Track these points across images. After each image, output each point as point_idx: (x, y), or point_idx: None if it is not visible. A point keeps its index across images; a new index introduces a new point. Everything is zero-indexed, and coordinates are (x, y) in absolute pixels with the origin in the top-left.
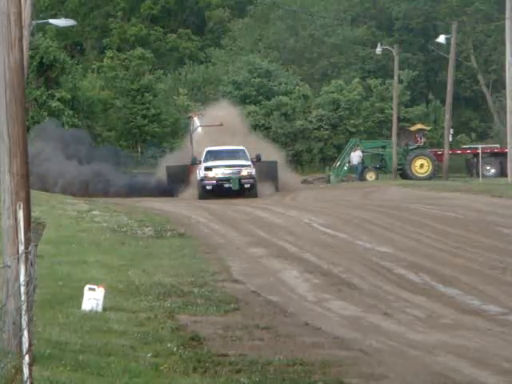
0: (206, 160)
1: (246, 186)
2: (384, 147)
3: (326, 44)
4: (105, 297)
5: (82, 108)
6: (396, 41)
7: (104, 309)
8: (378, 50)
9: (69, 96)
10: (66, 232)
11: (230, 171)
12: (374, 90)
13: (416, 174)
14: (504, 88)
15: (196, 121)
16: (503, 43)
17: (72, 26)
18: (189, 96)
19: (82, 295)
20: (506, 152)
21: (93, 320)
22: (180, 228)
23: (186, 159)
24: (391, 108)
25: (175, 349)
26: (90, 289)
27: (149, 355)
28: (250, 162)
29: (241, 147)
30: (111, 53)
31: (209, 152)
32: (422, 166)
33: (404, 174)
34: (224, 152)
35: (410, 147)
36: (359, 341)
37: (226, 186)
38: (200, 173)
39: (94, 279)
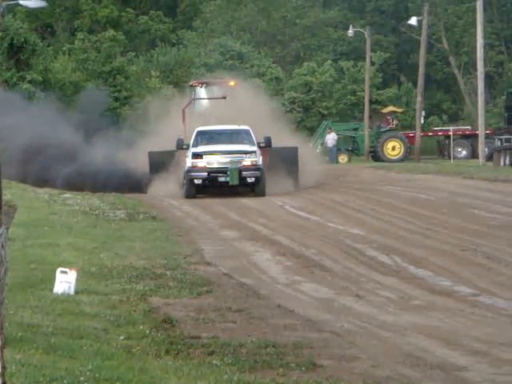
0: (196, 144)
1: (249, 179)
2: (356, 129)
3: (298, 26)
4: (77, 280)
5: (53, 90)
6: (368, 23)
7: (76, 292)
8: (350, 32)
9: (40, 78)
10: (38, 215)
11: (227, 159)
12: (346, 73)
13: (388, 156)
14: (475, 70)
15: (199, 91)
16: (474, 25)
17: (43, 8)
18: (161, 78)
19: (54, 278)
20: (477, 134)
21: (65, 303)
22: (152, 211)
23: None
24: (363, 90)
25: (147, 331)
26: (62, 272)
27: (121, 338)
28: (255, 148)
29: (244, 127)
30: (82, 35)
31: (200, 133)
32: (394, 148)
33: (376, 156)
34: (220, 133)
35: (382, 129)
36: (331, 322)
37: (222, 179)
38: (187, 162)
39: (66, 262)
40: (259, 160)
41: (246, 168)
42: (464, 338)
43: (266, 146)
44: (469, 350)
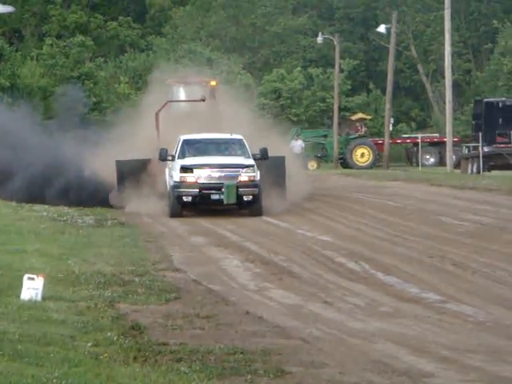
0: (182, 155)
1: (246, 198)
2: (325, 136)
3: (268, 33)
4: (44, 286)
5: (21, 96)
6: (337, 30)
7: (43, 298)
8: (319, 39)
9: (8, 83)
10: (5, 220)
11: (221, 174)
12: (316, 79)
13: (357, 163)
14: (443, 77)
15: (176, 91)
16: (442, 33)
17: (10, 12)
18: (130, 84)
19: (20, 284)
20: (445, 141)
21: (32, 309)
22: (121, 217)
23: (142, 151)
24: (332, 97)
25: (115, 338)
26: (30, 278)
27: (89, 344)
28: (252, 161)
29: (237, 136)
30: (50, 40)
31: (186, 143)
32: (362, 155)
33: (345, 162)
34: (209, 143)
35: (351, 136)
36: (299, 329)
37: (215, 197)
38: (173, 175)
39: (33, 268)
40: (257, 175)
41: (244, 184)
42: (431, 345)
43: (261, 159)
44: (436, 356)
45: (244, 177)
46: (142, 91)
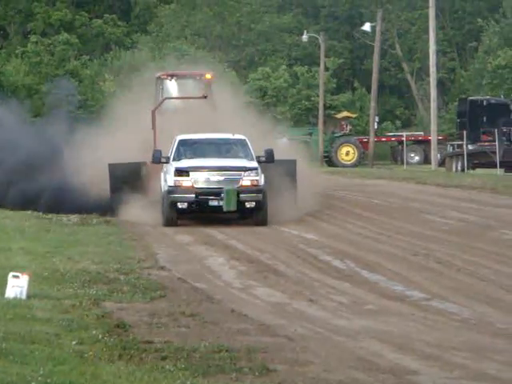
0: (179, 157)
1: (249, 204)
2: (310, 134)
3: (253, 31)
4: (29, 284)
5: (6, 93)
6: (322, 28)
7: (28, 296)
8: (304, 37)
9: None
10: None
11: (220, 178)
12: (301, 78)
13: (342, 161)
14: (427, 76)
15: (169, 85)
16: (427, 31)
17: None
18: (115, 82)
19: (5, 282)
20: (430, 139)
21: (16, 307)
22: (106, 215)
23: (139, 153)
24: (317, 95)
25: (100, 336)
26: (14, 276)
27: (73, 343)
28: (255, 163)
29: (240, 136)
30: (35, 38)
31: (182, 143)
32: (347, 153)
33: (330, 161)
34: (209, 144)
35: (336, 135)
36: (284, 327)
37: (214, 203)
38: (167, 179)
39: (18, 266)
40: (261, 179)
41: (246, 189)
42: (416, 343)
43: (267, 161)
44: (420, 354)
45: (246, 181)
46: (127, 89)
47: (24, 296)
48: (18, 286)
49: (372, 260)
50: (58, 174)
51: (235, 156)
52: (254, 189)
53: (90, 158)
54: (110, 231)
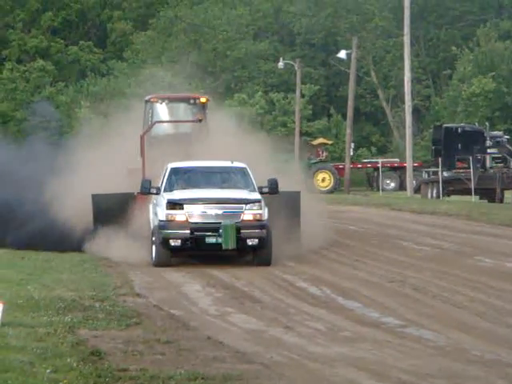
0: (170, 187)
1: (251, 242)
2: (286, 161)
3: (229, 58)
4: (3, 312)
5: None
6: (298, 55)
7: (2, 324)
8: (280, 64)
9: None
10: None
11: (218, 211)
12: (277, 104)
13: (318, 187)
14: (403, 103)
15: (158, 109)
16: (402, 59)
17: None
18: (91, 108)
19: None
20: (405, 166)
21: None
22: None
23: (123, 183)
24: (293, 122)
25: (75, 364)
26: None
27: (48, 371)
28: (258, 195)
29: (239, 164)
30: (11, 64)
31: (175, 172)
32: (323, 179)
33: (306, 187)
34: (205, 172)
35: (312, 161)
36: (261, 354)
37: (211, 240)
38: (158, 213)
39: None
40: (265, 213)
41: (247, 225)
42: (391, 370)
43: (270, 192)
44: (396, 381)
45: (248, 215)
46: (103, 115)
47: None
48: None
49: (348, 286)
50: (37, 205)
51: (235, 186)
52: (257, 224)
53: (72, 187)
54: (84, 258)
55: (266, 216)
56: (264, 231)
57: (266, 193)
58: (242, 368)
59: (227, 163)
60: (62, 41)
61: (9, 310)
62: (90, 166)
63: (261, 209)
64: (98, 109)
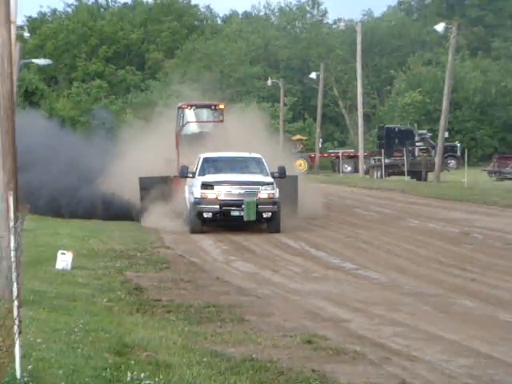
0: (203, 172)
1: (266, 215)
2: (274, 152)
3: (232, 78)
4: (73, 259)
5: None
6: (281, 76)
7: (72, 267)
8: (269, 82)
9: (47, 114)
10: None
11: (241, 191)
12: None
13: (297, 170)
14: (356, 110)
15: (187, 114)
16: (355, 79)
17: (49, 64)
18: (134, 114)
19: (55, 258)
20: (358, 155)
21: (64, 276)
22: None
23: (161, 170)
24: (278, 124)
25: (123, 296)
26: (62, 253)
27: (104, 300)
28: (271, 178)
29: (256, 155)
30: (77, 83)
31: (207, 160)
32: (300, 164)
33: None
34: (229, 161)
35: (292, 151)
36: (255, 289)
37: (235, 213)
38: (194, 192)
39: (65, 246)
40: (276, 193)
41: (263, 201)
42: (348, 300)
43: (279, 177)
44: (352, 308)
45: (263, 194)
46: (143, 119)
47: (69, 267)
48: (64, 260)
49: (318, 241)
50: (102, 185)
51: (252, 172)
52: (270, 201)
53: (123, 171)
54: (130, 223)
55: (277, 195)
56: (275, 207)
57: (276, 177)
58: (242, 299)
59: (246, 154)
60: (113, 66)
61: (76, 257)
62: (135, 156)
63: (273, 189)
64: (138, 115)
